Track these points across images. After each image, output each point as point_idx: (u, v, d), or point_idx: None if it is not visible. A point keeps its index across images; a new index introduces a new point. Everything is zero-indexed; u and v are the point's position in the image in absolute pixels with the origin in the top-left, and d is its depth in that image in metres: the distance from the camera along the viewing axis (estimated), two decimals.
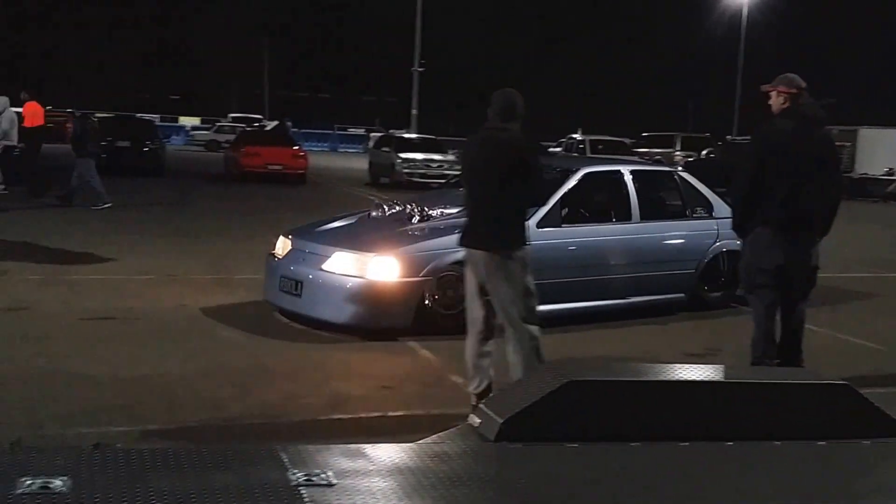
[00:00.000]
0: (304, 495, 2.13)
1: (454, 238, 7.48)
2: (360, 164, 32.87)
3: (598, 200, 9.55)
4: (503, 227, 5.53)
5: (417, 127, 40.58)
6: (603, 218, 9.19)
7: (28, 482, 2.07)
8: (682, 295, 9.15)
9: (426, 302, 7.74)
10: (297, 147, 27.64)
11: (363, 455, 2.46)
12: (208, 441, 4.88)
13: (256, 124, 46.43)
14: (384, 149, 28.57)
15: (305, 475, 2.23)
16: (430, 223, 8.27)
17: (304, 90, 78.94)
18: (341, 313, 7.53)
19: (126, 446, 3.91)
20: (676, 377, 2.87)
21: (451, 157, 27.66)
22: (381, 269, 7.57)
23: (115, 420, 5.20)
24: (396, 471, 2.38)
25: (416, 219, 8.33)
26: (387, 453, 2.51)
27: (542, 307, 7.33)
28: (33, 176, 17.40)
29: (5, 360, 6.37)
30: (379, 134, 40.05)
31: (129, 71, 73.78)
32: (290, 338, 7.40)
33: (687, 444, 2.54)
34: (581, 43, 69.14)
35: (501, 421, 2.69)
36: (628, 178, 9.11)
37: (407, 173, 26.11)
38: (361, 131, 56.83)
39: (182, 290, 9.13)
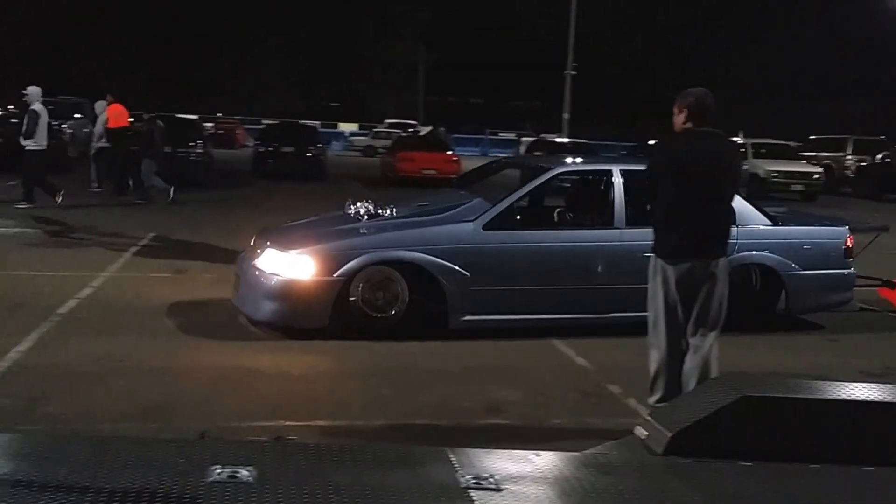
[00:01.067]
0: (474, 498, 2.16)
1: (384, 237, 7.64)
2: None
3: (576, 202, 8.89)
4: (726, 233, 5.41)
5: (569, 131, 40.31)
6: (576, 222, 8.54)
7: (218, 470, 2.18)
8: None
9: (352, 300, 7.42)
10: (450, 152, 27.96)
11: (529, 461, 2.46)
12: (373, 439, 5.00)
13: (411, 130, 47.15)
14: (535, 153, 28.50)
15: (474, 478, 2.26)
16: (368, 222, 7.93)
17: (456, 95, 79.65)
18: (260, 310, 7.42)
19: (303, 441, 4.03)
20: (857, 397, 2.74)
21: None
22: (296, 266, 7.30)
23: (287, 415, 5.40)
24: (563, 480, 2.37)
25: (364, 218, 8.02)
26: (552, 461, 2.50)
27: (481, 316, 7.54)
28: (118, 175, 18.25)
29: (187, 355, 6.72)
30: (530, 138, 39.97)
31: (293, 80, 76.27)
32: (441, 339, 7.46)
33: (872, 468, 2.42)
34: (734, 43, 66.99)
35: (671, 434, 2.64)
36: (617, 178, 8.08)
37: None
38: (512, 136, 56.85)
39: None
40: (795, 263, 8.32)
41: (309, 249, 7.42)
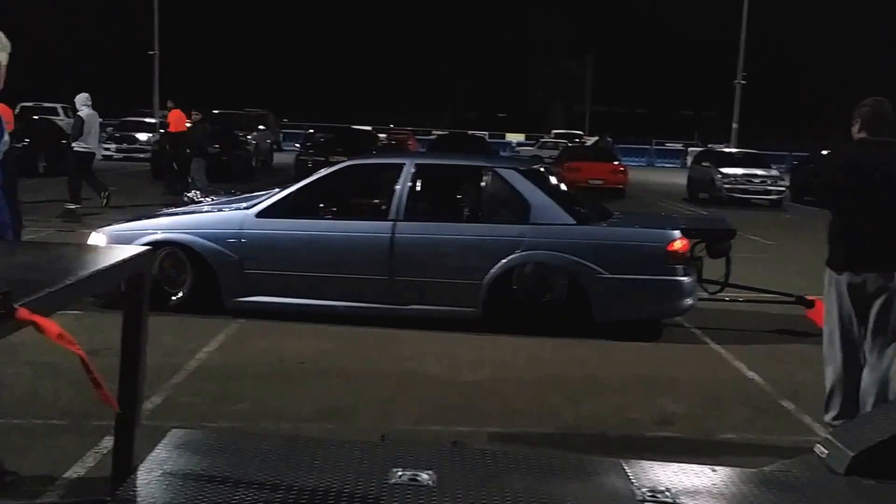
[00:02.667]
0: None
1: (169, 221, 8.30)
2: (678, 179, 32.16)
3: (370, 195, 8.84)
4: None
5: (738, 141, 39.04)
6: (352, 213, 8.54)
7: (399, 473, 2.23)
8: (471, 309, 7.72)
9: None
10: (617, 162, 27.61)
11: (706, 476, 2.40)
12: (545, 446, 5.00)
13: (577, 140, 46.88)
14: (703, 164, 27.77)
15: (650, 491, 2.22)
16: (176, 209, 8.64)
17: (622, 105, 78.70)
18: None
19: (479, 446, 4.08)
20: None
21: (774, 173, 26.31)
22: (95, 242, 7.76)
23: (460, 420, 5.48)
24: (741, 497, 2.30)
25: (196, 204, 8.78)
26: (730, 477, 2.43)
27: (254, 298, 7.93)
28: (173, 174, 19.50)
29: (363, 358, 6.92)
30: (698, 149, 38.97)
31: (462, 90, 77.34)
32: (609, 350, 7.37)
33: None
34: None
35: (853, 454, 2.53)
36: (405, 172, 8.06)
37: (727, 189, 25.18)
38: (679, 146, 55.60)
39: None
40: (600, 267, 7.61)
41: (105, 229, 8.29)
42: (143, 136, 31.90)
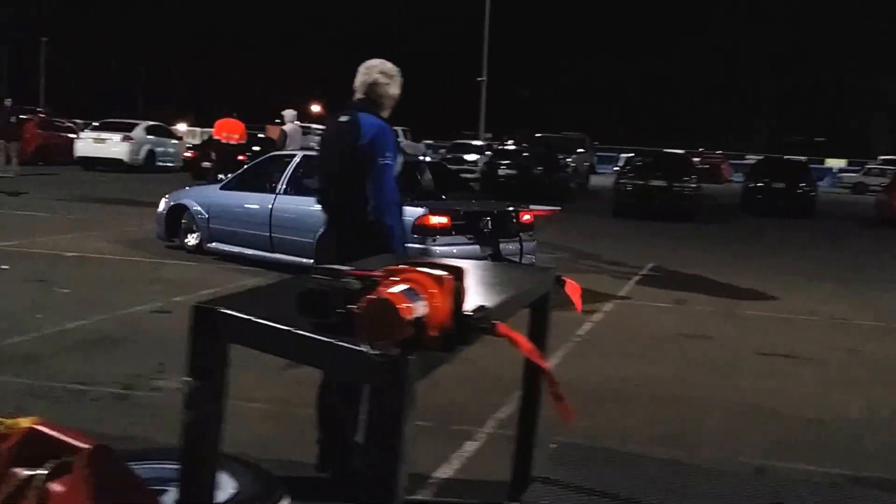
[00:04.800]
0: None
1: (182, 192, 12.61)
2: None
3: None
4: None
5: None
6: (267, 188, 11.17)
7: None
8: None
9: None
10: None
11: None
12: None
13: None
14: None
15: None
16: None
17: None
18: None
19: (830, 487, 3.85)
20: None
21: None
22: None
23: (805, 458, 5.19)
24: None
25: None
26: None
27: (218, 245, 11.40)
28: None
29: (698, 386, 6.77)
30: None
31: (775, 114, 73.72)
32: None
33: None
34: None
35: None
36: (297, 159, 11.20)
37: None
38: None
39: (849, 336, 8.81)
40: None
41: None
42: (470, 157, 33.47)
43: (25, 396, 5.47)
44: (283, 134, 17.94)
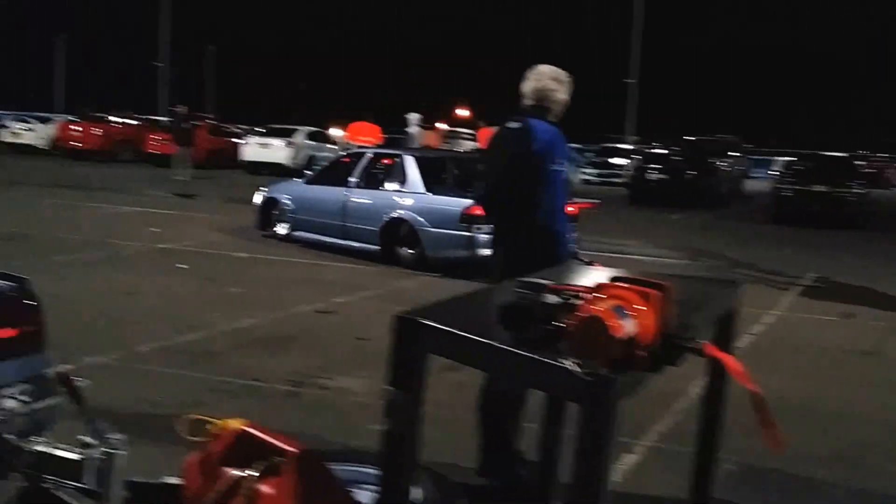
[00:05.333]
0: None
1: (277, 186, 13.84)
2: None
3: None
4: None
5: None
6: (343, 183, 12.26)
7: None
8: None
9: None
10: None
11: None
12: None
13: None
14: None
15: None
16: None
17: None
18: None
19: None
20: None
21: None
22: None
23: None
24: None
25: None
26: None
27: (300, 233, 12.64)
28: None
29: (869, 404, 6.41)
30: None
31: None
32: None
33: None
34: None
35: None
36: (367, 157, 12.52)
37: None
38: None
39: None
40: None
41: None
42: (617, 161, 32.96)
43: (205, 391, 5.73)
44: (408, 136, 18.49)
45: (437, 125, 23.91)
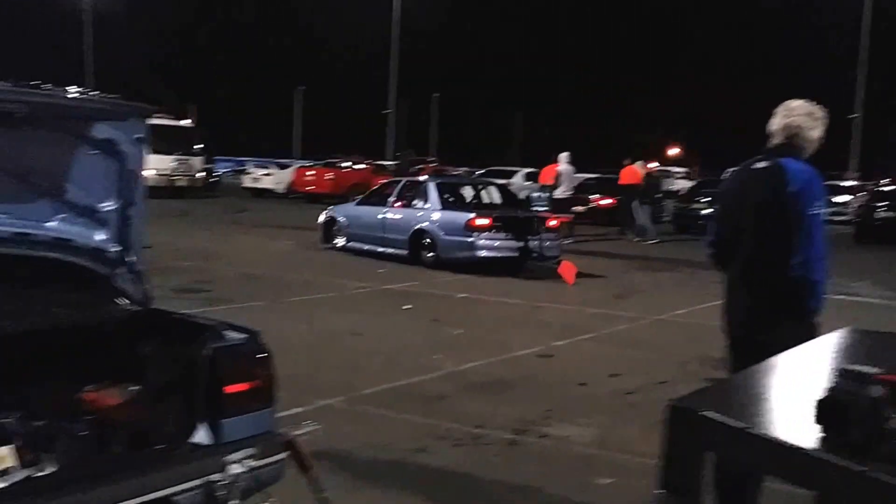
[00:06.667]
0: None
1: (338, 208, 16.91)
2: None
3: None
4: None
5: None
6: (387, 204, 15.28)
7: None
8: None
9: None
10: None
11: None
12: None
13: None
14: None
15: None
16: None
17: None
18: None
19: None
20: None
21: None
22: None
23: None
24: None
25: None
26: None
27: (352, 243, 15.50)
28: (625, 222, 21.84)
29: None
30: None
31: None
32: None
33: None
34: None
35: None
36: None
37: None
38: None
39: None
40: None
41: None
42: (839, 199, 30.50)
43: (429, 437, 5.49)
44: (558, 174, 20.15)
45: (647, 164, 23.20)
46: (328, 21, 77.10)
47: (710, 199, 23.60)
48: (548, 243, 13.96)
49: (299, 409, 5.66)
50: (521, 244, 13.67)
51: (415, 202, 14.65)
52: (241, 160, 43.33)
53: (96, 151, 3.18)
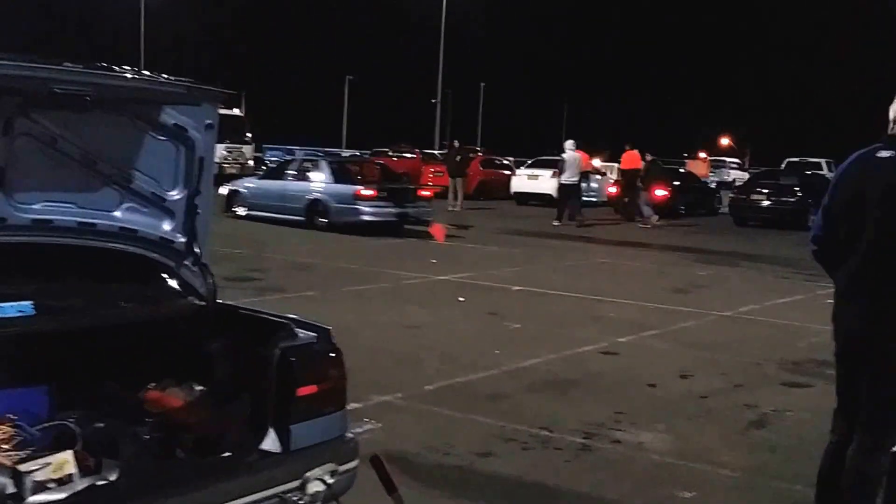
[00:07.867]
0: None
1: (241, 182, 19.87)
2: None
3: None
4: None
5: None
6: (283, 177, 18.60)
7: None
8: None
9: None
10: None
11: None
12: None
13: None
14: None
15: None
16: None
17: None
18: None
19: None
20: None
21: None
22: None
23: None
24: None
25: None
26: None
27: (254, 212, 18.11)
28: (623, 206, 23.19)
29: None
30: None
31: None
32: None
33: None
34: None
35: None
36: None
37: None
38: None
39: None
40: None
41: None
42: None
43: (495, 439, 5.26)
44: (562, 160, 21.04)
45: (701, 154, 23.13)
46: (377, 12, 77.09)
47: (768, 191, 23.00)
48: (422, 209, 17.09)
49: (357, 405, 5.45)
50: (399, 210, 16.68)
51: (309, 176, 17.60)
52: (291, 149, 43.44)
53: (165, 137, 3.00)
